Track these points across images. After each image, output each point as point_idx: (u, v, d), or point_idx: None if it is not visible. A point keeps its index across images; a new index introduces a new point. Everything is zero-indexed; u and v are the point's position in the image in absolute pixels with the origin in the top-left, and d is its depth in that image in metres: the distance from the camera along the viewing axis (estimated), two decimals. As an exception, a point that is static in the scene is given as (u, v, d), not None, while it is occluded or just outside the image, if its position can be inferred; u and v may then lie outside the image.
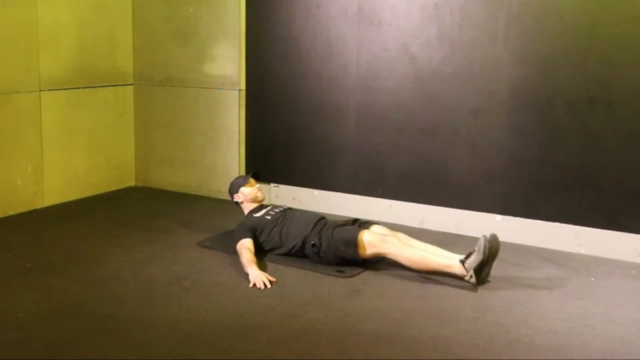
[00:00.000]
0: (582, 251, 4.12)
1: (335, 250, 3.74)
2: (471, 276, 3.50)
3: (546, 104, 4.14)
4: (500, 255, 4.03)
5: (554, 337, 2.98)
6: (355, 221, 3.95)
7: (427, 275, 3.67)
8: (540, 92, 4.15)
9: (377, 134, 4.68)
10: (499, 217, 4.35)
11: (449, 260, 3.59)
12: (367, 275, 3.69)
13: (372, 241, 3.69)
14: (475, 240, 4.31)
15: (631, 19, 3.87)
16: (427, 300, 3.37)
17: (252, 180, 4.25)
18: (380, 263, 3.86)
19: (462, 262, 3.53)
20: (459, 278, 3.55)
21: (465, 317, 3.17)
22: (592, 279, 3.71)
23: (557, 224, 4.19)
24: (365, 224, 3.89)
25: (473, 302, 3.34)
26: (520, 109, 4.22)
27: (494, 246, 3.51)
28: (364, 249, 3.68)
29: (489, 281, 3.56)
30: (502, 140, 4.29)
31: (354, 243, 3.70)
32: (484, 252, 3.47)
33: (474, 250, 3.53)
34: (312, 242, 3.79)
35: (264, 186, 4.96)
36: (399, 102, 4.58)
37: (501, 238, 4.27)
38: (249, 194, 4.19)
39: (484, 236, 3.51)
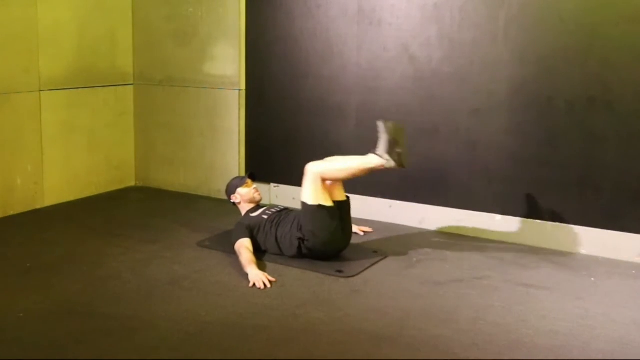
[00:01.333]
0: (582, 251, 4.12)
1: (306, 226, 3.79)
2: (388, 160, 3.68)
3: (546, 104, 4.14)
4: (501, 255, 4.04)
5: (554, 337, 2.98)
6: None
7: (427, 276, 3.68)
8: (540, 92, 4.15)
9: (377, 134, 4.66)
10: (498, 217, 4.35)
11: (366, 158, 3.79)
12: (367, 275, 3.69)
13: (309, 182, 3.81)
14: (475, 239, 4.33)
15: (631, 19, 3.87)
16: (427, 300, 3.37)
17: (249, 181, 4.25)
18: (380, 263, 3.86)
19: (375, 152, 3.74)
20: (386, 170, 3.75)
21: (465, 317, 3.17)
22: (592, 279, 3.71)
23: (557, 224, 4.19)
24: None
25: (473, 302, 3.34)
26: (520, 109, 4.22)
27: (394, 124, 3.72)
28: (316, 191, 3.80)
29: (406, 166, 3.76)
30: (502, 140, 4.29)
31: (306, 201, 3.82)
32: (387, 132, 3.68)
33: (379, 138, 3.73)
34: (298, 237, 3.81)
35: (264, 186, 4.97)
36: (399, 102, 4.58)
37: (501, 238, 4.30)
38: (246, 195, 4.19)
39: (379, 122, 3.74)
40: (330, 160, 3.96)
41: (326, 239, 3.79)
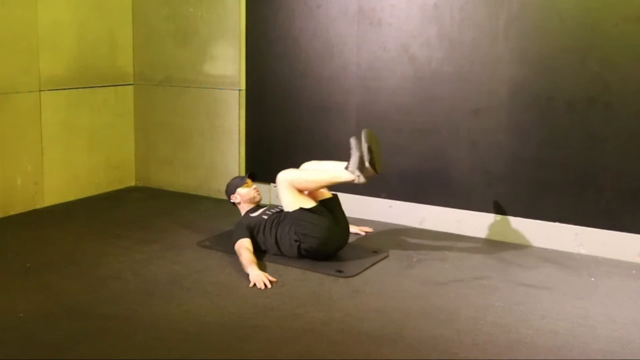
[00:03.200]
0: (582, 251, 4.12)
1: (299, 230, 3.80)
2: (358, 176, 3.72)
3: (546, 104, 4.14)
4: (501, 255, 4.05)
5: (554, 337, 2.98)
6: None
7: (427, 276, 3.69)
8: (540, 92, 4.15)
9: (377, 134, 4.65)
10: (499, 217, 4.35)
11: (336, 171, 3.83)
12: (367, 275, 3.69)
13: (282, 190, 3.87)
14: (475, 239, 4.33)
15: (631, 19, 3.87)
16: (427, 300, 3.37)
17: (248, 181, 4.25)
18: (380, 263, 3.86)
19: (346, 168, 3.76)
20: (352, 183, 3.77)
21: (465, 317, 3.17)
22: (592, 279, 3.71)
23: (557, 224, 4.19)
24: None
25: (473, 302, 3.34)
26: (520, 109, 4.22)
27: (369, 136, 3.71)
28: (292, 196, 3.83)
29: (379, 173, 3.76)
30: (502, 140, 4.29)
31: (288, 209, 3.85)
32: (358, 149, 3.70)
33: (350, 154, 3.73)
34: (295, 239, 3.81)
35: (264, 186, 4.97)
36: (399, 102, 4.58)
37: (501, 238, 4.30)
38: (246, 195, 4.19)
39: (353, 137, 3.75)
40: (301, 169, 4.00)
41: (322, 238, 3.78)
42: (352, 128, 4.75)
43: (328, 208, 3.89)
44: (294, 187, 3.85)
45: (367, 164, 3.70)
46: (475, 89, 4.34)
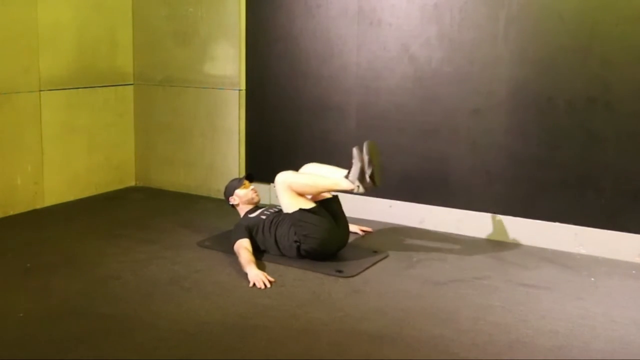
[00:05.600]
0: (582, 251, 4.12)
1: (299, 231, 3.79)
2: (358, 186, 3.75)
3: (546, 104, 4.14)
4: (501, 255, 4.05)
5: (554, 337, 2.98)
6: None
7: (427, 276, 3.69)
8: (540, 92, 4.15)
9: (377, 134, 4.67)
10: (498, 217, 4.35)
11: (336, 179, 3.84)
12: (367, 275, 3.69)
13: (281, 192, 3.87)
14: (475, 239, 4.33)
15: (631, 19, 3.87)
16: (427, 300, 3.37)
17: (246, 182, 4.25)
18: (380, 263, 3.86)
19: (346, 176, 3.79)
20: (350, 192, 3.84)
21: (465, 317, 3.17)
22: (592, 279, 3.71)
23: (557, 224, 4.19)
24: None
25: (473, 302, 3.34)
26: (520, 109, 4.22)
27: (371, 149, 3.71)
28: (291, 198, 3.84)
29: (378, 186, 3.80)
30: (502, 140, 4.29)
31: (287, 211, 3.85)
32: (360, 160, 3.71)
33: (352, 163, 3.77)
34: (295, 240, 3.81)
35: (264, 186, 4.96)
36: (399, 102, 4.58)
37: (501, 238, 4.30)
38: (244, 196, 4.19)
39: (356, 147, 3.74)
40: (301, 173, 4.01)
41: (322, 239, 3.79)
42: (352, 128, 4.75)
43: (328, 209, 3.88)
44: (292, 190, 3.85)
45: (367, 177, 3.73)
46: (475, 89, 4.34)
